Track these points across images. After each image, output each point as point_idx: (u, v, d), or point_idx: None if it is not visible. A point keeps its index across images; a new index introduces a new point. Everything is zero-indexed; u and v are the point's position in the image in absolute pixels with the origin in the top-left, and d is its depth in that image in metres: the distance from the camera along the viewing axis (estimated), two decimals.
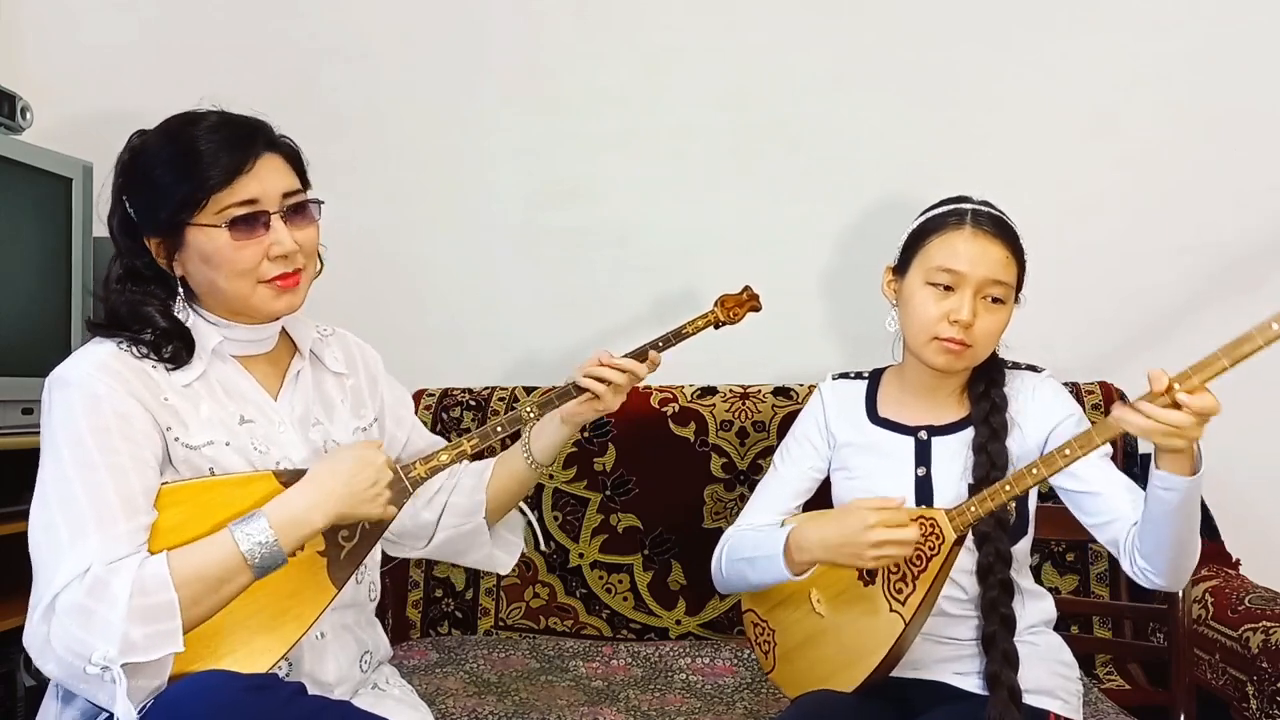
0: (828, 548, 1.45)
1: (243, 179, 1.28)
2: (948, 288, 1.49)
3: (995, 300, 1.49)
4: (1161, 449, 1.28)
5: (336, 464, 1.29)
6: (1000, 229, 1.51)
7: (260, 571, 1.21)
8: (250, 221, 1.29)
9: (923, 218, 1.57)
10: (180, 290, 1.35)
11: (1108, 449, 1.45)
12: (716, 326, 1.61)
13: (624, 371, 1.49)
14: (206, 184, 1.27)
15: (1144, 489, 1.37)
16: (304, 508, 1.24)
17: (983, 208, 1.53)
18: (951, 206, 1.54)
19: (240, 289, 1.31)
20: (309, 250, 1.36)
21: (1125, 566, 1.42)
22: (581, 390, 1.48)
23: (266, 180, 1.30)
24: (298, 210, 1.34)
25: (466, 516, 1.56)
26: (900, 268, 1.57)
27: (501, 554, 1.61)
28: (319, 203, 1.37)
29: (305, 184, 1.38)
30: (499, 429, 1.42)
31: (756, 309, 1.63)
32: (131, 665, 1.12)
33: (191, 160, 1.28)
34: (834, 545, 1.44)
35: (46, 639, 1.13)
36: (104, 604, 1.12)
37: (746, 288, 1.63)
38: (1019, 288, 1.53)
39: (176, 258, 1.33)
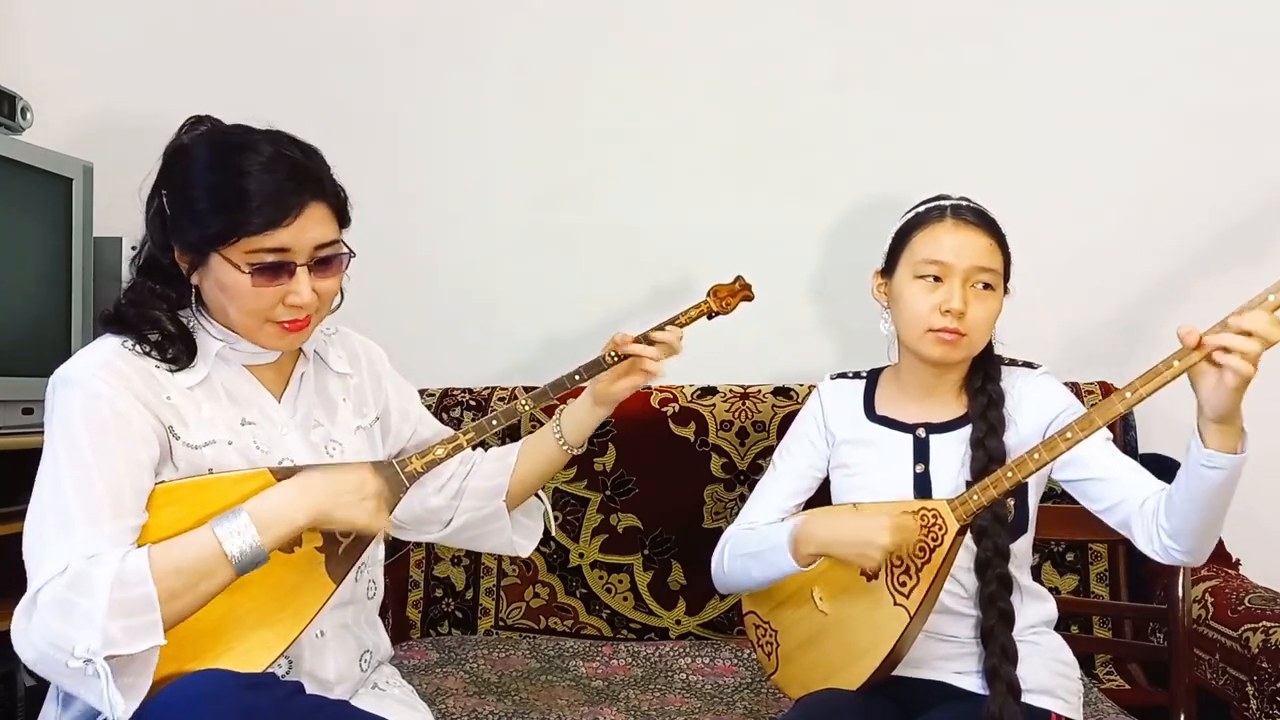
0: (839, 543, 1.46)
1: (280, 229, 1.27)
2: (936, 279, 1.50)
3: (985, 286, 1.51)
4: (1210, 412, 1.26)
5: (323, 469, 1.29)
6: (981, 219, 1.53)
7: (241, 569, 1.19)
8: (275, 269, 1.28)
9: (904, 217, 1.59)
10: (193, 296, 1.35)
11: (1108, 434, 1.45)
12: (710, 317, 1.60)
13: (652, 343, 1.50)
14: (242, 227, 1.26)
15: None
16: (284, 505, 1.23)
17: (962, 202, 1.55)
18: (932, 204, 1.56)
19: (248, 325, 1.32)
20: (326, 299, 1.35)
21: (1144, 546, 1.41)
22: (608, 364, 1.49)
23: (304, 232, 1.29)
24: (325, 262, 1.33)
25: (486, 500, 1.56)
26: (887, 269, 1.59)
27: (521, 539, 1.61)
28: (350, 254, 1.37)
29: (345, 222, 1.37)
30: (494, 422, 1.42)
31: (749, 298, 1.63)
32: (117, 662, 1.11)
33: (235, 197, 1.26)
34: (846, 542, 1.45)
35: (26, 633, 1.13)
36: (85, 597, 1.11)
37: (739, 277, 1.63)
38: (1007, 276, 1.54)
39: (197, 272, 1.33)
